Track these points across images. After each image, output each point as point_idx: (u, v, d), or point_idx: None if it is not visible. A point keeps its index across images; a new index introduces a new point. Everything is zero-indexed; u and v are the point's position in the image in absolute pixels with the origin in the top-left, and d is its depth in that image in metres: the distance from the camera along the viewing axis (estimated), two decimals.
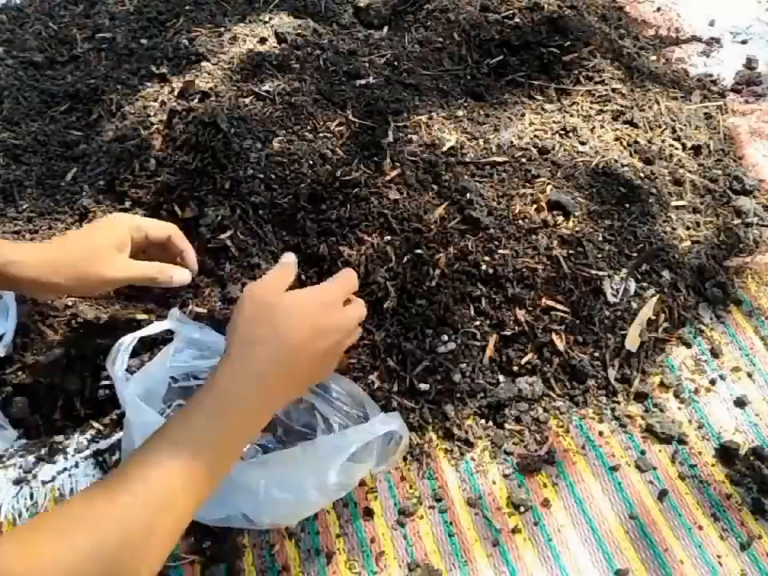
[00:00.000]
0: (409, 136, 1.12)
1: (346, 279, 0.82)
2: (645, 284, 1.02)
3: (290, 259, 0.85)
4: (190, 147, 1.10)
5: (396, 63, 1.26)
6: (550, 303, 0.99)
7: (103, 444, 0.92)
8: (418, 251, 1.00)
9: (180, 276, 0.92)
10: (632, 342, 0.98)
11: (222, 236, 1.02)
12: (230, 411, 0.68)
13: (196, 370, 0.89)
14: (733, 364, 1.01)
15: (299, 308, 0.75)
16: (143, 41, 1.38)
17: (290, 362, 0.73)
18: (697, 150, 1.20)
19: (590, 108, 1.22)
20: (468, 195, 1.04)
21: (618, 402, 0.97)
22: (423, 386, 0.96)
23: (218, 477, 0.68)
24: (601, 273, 1.00)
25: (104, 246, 0.85)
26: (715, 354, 1.02)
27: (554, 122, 1.18)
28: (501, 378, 0.97)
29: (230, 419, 0.68)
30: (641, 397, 0.97)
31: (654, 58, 1.40)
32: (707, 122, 1.27)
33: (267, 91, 1.16)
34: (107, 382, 0.93)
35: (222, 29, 1.34)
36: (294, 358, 0.73)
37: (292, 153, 1.06)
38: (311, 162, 1.06)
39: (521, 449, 0.93)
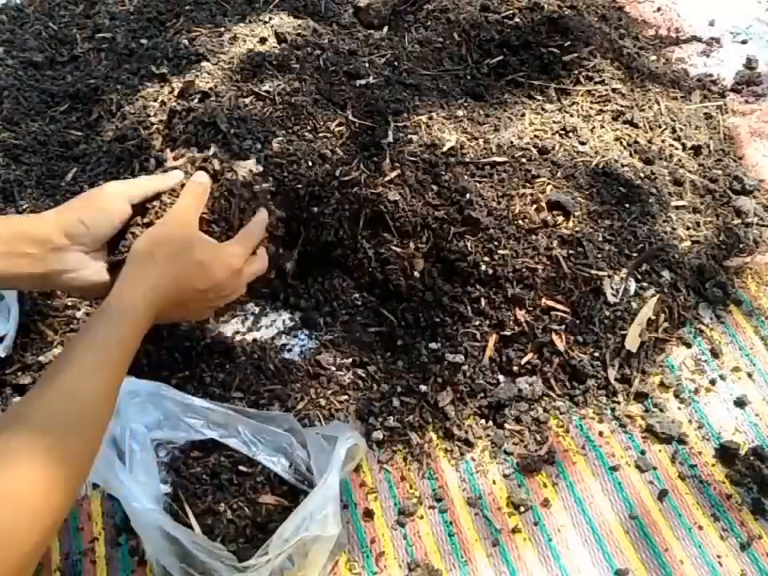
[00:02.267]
0: (409, 136, 1.12)
1: (255, 234, 0.90)
2: (645, 284, 1.02)
3: (203, 179, 0.89)
4: (189, 147, 1.10)
5: (396, 63, 1.26)
6: (550, 303, 0.99)
7: None
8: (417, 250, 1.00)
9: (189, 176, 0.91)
10: (632, 342, 0.98)
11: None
12: (126, 321, 0.74)
13: None
14: (733, 364, 1.01)
15: (208, 267, 0.82)
16: (143, 41, 1.38)
17: (177, 294, 0.80)
18: (697, 150, 1.20)
19: (590, 108, 1.22)
20: (468, 195, 1.04)
21: (618, 402, 0.97)
22: (423, 387, 0.96)
23: (119, 383, 0.71)
24: (601, 273, 1.00)
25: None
26: (715, 353, 1.02)
27: (554, 121, 1.18)
28: (501, 377, 0.97)
29: (126, 328, 0.73)
30: (641, 397, 0.97)
31: (653, 58, 1.40)
32: (707, 122, 1.27)
33: (267, 91, 1.16)
34: None
35: (222, 29, 1.34)
36: (182, 295, 0.81)
37: (292, 153, 1.06)
38: (311, 163, 1.06)
39: (521, 449, 0.93)
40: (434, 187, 1.06)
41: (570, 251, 1.01)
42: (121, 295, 0.76)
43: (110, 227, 0.83)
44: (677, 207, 1.11)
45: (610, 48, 1.33)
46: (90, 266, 0.83)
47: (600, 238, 1.03)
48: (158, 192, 0.87)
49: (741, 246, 1.11)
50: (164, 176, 0.90)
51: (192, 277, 0.81)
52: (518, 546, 0.85)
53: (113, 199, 0.84)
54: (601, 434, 0.94)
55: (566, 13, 1.33)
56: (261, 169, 0.98)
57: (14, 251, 0.77)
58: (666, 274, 1.03)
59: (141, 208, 0.87)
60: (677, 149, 1.19)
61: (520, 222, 1.03)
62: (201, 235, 0.85)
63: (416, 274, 1.01)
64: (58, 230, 0.79)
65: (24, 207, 1.14)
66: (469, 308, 0.99)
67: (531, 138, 1.14)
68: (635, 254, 1.03)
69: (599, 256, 1.01)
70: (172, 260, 0.80)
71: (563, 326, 0.98)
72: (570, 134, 1.15)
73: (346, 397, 0.96)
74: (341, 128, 1.12)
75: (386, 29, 1.40)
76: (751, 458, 0.91)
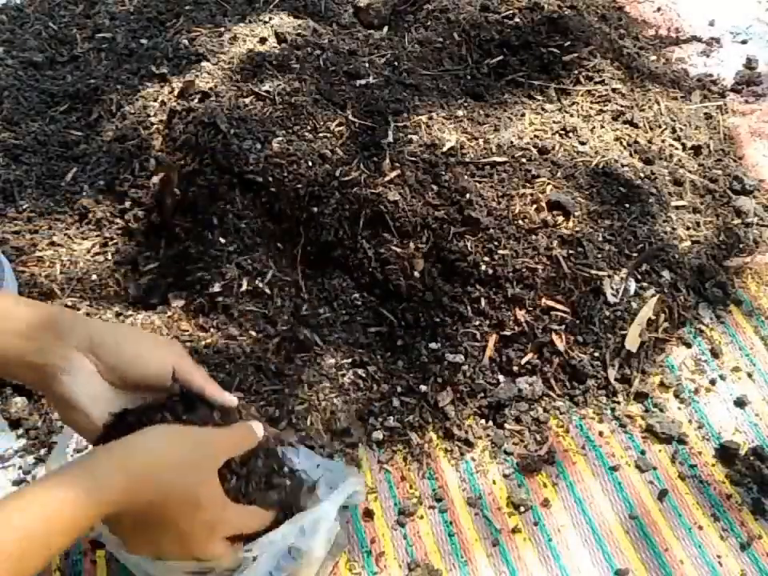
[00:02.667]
0: (409, 136, 1.12)
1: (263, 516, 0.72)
2: (645, 284, 1.02)
3: (259, 431, 0.73)
4: (189, 148, 1.10)
5: (396, 63, 1.26)
6: (550, 303, 0.99)
7: None
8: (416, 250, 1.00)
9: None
10: (632, 342, 0.98)
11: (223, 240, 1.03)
12: (93, 487, 0.57)
13: None
14: (733, 364, 1.01)
15: (210, 499, 0.65)
16: (143, 41, 1.38)
17: (163, 498, 0.62)
18: (697, 150, 1.20)
19: (590, 108, 1.22)
20: (468, 195, 1.04)
21: (618, 402, 0.96)
22: (423, 387, 0.96)
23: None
24: (601, 273, 1.00)
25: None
26: (715, 354, 1.02)
27: (554, 121, 1.18)
28: (501, 377, 0.97)
29: (87, 494, 0.57)
30: (641, 397, 0.97)
31: (653, 58, 1.40)
32: (707, 122, 1.27)
33: (267, 91, 1.16)
34: None
35: (222, 29, 1.34)
36: (168, 504, 0.63)
37: (292, 153, 1.06)
38: (311, 163, 1.06)
39: (521, 449, 0.93)
40: (434, 187, 1.06)
41: (570, 251, 1.01)
42: (103, 462, 0.60)
43: (140, 371, 0.69)
44: (677, 207, 1.11)
45: (610, 48, 1.33)
46: (94, 391, 0.68)
47: (600, 238, 1.03)
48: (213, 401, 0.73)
49: (741, 246, 1.11)
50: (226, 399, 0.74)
51: (187, 497, 0.64)
52: (517, 545, 0.85)
53: (163, 352, 0.71)
54: (601, 434, 0.94)
55: (566, 13, 1.33)
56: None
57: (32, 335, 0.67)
58: (666, 273, 1.03)
59: None
60: (677, 149, 1.19)
61: (520, 221, 1.03)
62: (216, 474, 0.67)
63: (416, 274, 1.01)
64: (85, 331, 0.68)
65: (24, 207, 1.14)
66: (469, 308, 0.99)
67: (531, 138, 1.14)
68: (635, 254, 1.03)
69: (599, 256, 1.01)
70: (183, 463, 0.64)
71: (563, 326, 0.98)
72: (570, 134, 1.15)
73: (346, 397, 0.96)
74: (341, 128, 1.12)
75: (385, 29, 1.40)
76: (751, 457, 0.91)
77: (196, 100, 1.16)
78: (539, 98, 1.24)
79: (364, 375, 0.98)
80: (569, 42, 1.28)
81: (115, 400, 0.69)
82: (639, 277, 1.02)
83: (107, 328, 0.72)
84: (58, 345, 0.67)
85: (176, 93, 1.20)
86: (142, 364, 0.70)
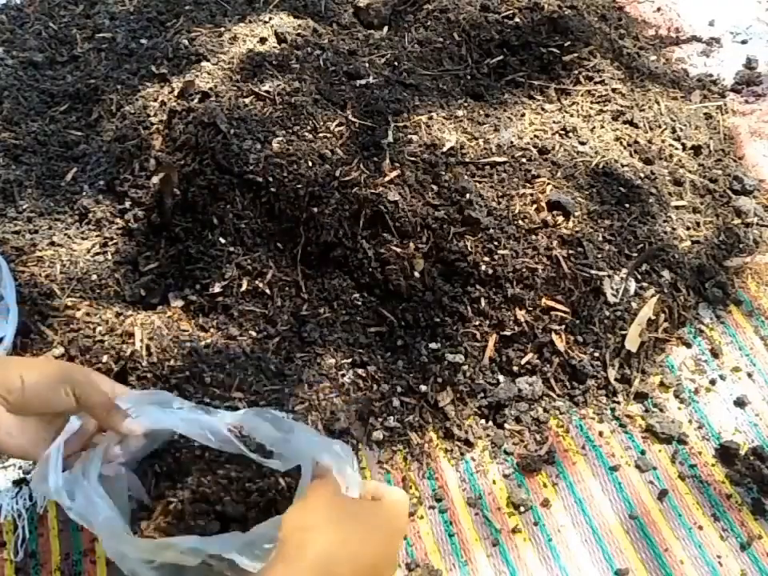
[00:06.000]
0: (409, 136, 1.12)
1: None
2: (645, 284, 1.02)
3: (368, 487, 0.73)
4: (189, 148, 1.10)
5: (396, 63, 1.26)
6: (550, 303, 0.99)
7: None
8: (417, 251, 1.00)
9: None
10: (632, 342, 0.98)
11: (223, 240, 1.03)
12: None
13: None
14: (733, 364, 1.01)
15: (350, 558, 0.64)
16: (143, 41, 1.38)
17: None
18: (697, 150, 1.20)
19: (590, 108, 1.22)
20: (468, 195, 1.04)
21: (618, 402, 0.97)
22: (423, 387, 0.96)
23: None
24: (601, 273, 1.00)
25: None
26: (715, 354, 1.02)
27: (554, 122, 1.18)
28: (501, 378, 0.97)
29: None
30: (641, 397, 0.97)
31: (653, 58, 1.40)
32: (707, 122, 1.27)
33: (267, 91, 1.16)
34: None
35: (222, 29, 1.34)
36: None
37: (292, 153, 1.06)
38: (311, 163, 1.06)
39: (521, 449, 0.93)
40: (434, 187, 1.06)
41: (570, 251, 1.01)
42: None
43: (43, 401, 0.71)
44: (677, 207, 1.11)
45: (610, 48, 1.33)
46: (8, 426, 0.70)
47: (600, 238, 1.03)
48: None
49: (741, 246, 1.11)
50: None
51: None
52: (517, 545, 0.85)
53: (56, 380, 0.72)
54: (601, 434, 0.94)
55: (566, 13, 1.33)
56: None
57: None
58: (666, 273, 1.03)
59: None
60: (677, 149, 1.19)
61: (520, 221, 1.03)
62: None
63: (416, 274, 1.01)
64: None
65: (24, 207, 1.14)
66: (469, 308, 0.99)
67: (531, 138, 1.14)
68: (635, 254, 1.03)
69: (599, 256, 1.01)
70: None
71: (563, 326, 0.98)
72: (570, 134, 1.15)
73: (346, 397, 0.96)
74: (341, 128, 1.12)
75: (386, 29, 1.40)
76: (751, 457, 0.91)
77: (196, 100, 1.16)
78: (539, 97, 1.24)
79: (364, 375, 0.98)
80: (569, 42, 1.28)
81: (29, 428, 0.71)
82: (639, 277, 1.02)
83: (9, 373, 0.72)
84: None
85: (176, 93, 1.20)
86: (48, 399, 0.71)
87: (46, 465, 0.70)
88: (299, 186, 1.04)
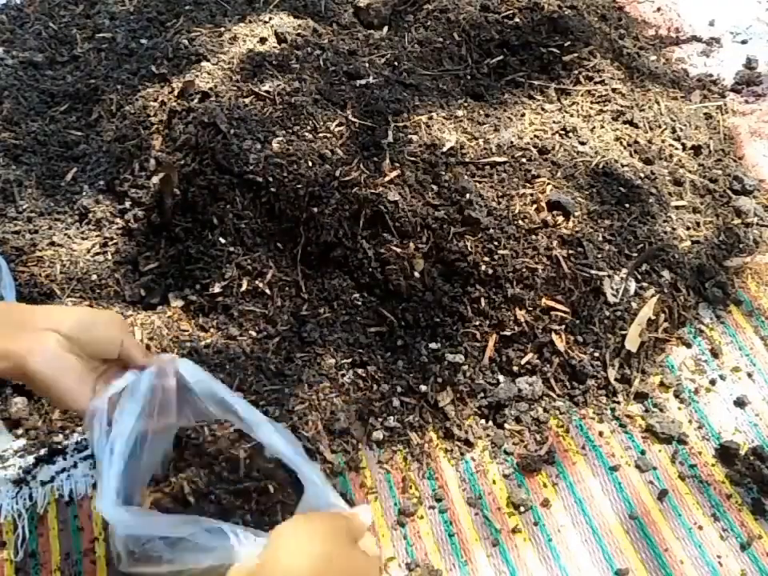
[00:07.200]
0: (409, 136, 1.12)
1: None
2: (645, 284, 1.02)
3: (366, 515, 0.74)
4: (189, 148, 1.10)
5: (396, 63, 1.26)
6: (550, 303, 0.99)
7: None
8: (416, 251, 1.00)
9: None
10: (632, 342, 0.98)
11: (223, 240, 1.03)
12: None
13: None
14: (733, 364, 1.01)
15: None
16: (143, 41, 1.38)
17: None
18: (697, 150, 1.20)
19: (590, 108, 1.22)
20: (468, 195, 1.04)
21: (618, 402, 0.97)
22: (423, 387, 0.96)
23: None
24: (601, 273, 1.00)
25: None
26: (715, 354, 1.02)
27: (553, 122, 1.18)
28: (501, 378, 0.97)
29: None
30: (641, 397, 0.97)
31: (653, 58, 1.40)
32: (707, 122, 1.27)
33: (267, 91, 1.16)
34: None
35: (222, 29, 1.34)
36: None
37: (292, 153, 1.06)
38: (311, 163, 1.06)
39: (521, 449, 0.93)
40: (434, 187, 1.06)
41: (570, 251, 1.01)
42: None
43: (100, 346, 0.74)
44: (677, 207, 1.11)
45: (610, 48, 1.33)
46: (62, 365, 0.71)
47: (600, 238, 1.03)
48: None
49: (741, 246, 1.11)
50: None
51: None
52: (517, 545, 0.85)
53: (115, 328, 0.76)
54: (601, 434, 0.94)
55: (566, 13, 1.33)
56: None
57: None
58: (666, 273, 1.03)
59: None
60: (677, 149, 1.19)
61: (520, 221, 1.03)
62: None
63: (416, 274, 1.01)
64: (46, 314, 0.73)
65: (24, 207, 1.14)
66: (469, 308, 0.99)
67: (531, 138, 1.14)
68: (635, 254, 1.03)
69: (599, 256, 1.01)
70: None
71: (563, 326, 0.98)
72: (570, 134, 1.15)
73: (346, 397, 0.96)
74: (341, 128, 1.12)
75: (385, 29, 1.40)
76: (751, 457, 0.91)
77: (196, 100, 1.16)
78: (539, 97, 1.24)
79: (364, 375, 0.98)
80: (569, 42, 1.28)
81: (81, 369, 0.73)
82: (639, 277, 1.02)
83: (67, 310, 0.78)
84: (21, 330, 0.71)
85: (176, 93, 1.20)
86: (100, 339, 0.75)
87: (92, 418, 0.72)
88: (299, 186, 1.04)
